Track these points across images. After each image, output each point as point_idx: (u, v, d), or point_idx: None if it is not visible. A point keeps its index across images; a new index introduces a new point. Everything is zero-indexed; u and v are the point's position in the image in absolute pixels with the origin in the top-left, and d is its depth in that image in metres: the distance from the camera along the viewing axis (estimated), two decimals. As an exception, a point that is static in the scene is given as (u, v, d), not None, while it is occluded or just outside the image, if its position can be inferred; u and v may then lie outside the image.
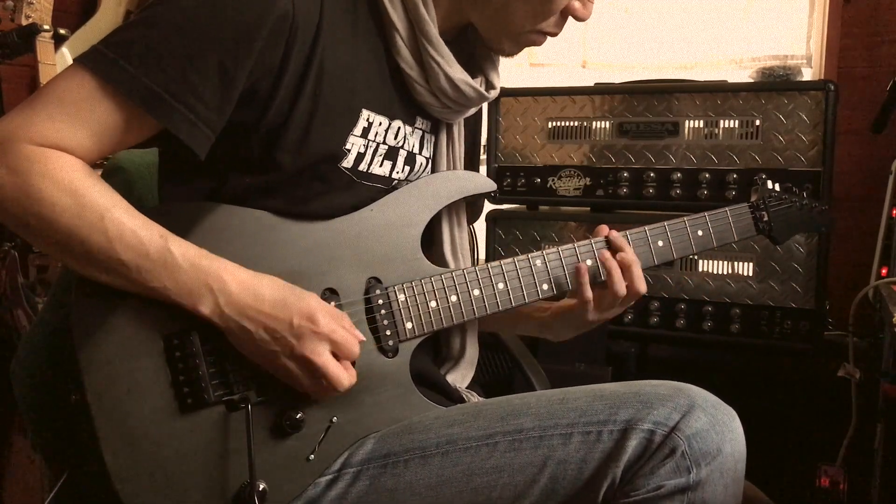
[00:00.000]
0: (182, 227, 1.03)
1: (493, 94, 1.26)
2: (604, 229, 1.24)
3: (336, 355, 1.03)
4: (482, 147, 2.71)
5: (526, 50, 1.21)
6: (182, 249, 1.00)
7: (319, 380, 1.02)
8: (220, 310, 1.00)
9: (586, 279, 1.19)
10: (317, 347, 1.01)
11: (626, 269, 1.20)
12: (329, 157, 1.10)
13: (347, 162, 1.12)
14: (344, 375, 1.03)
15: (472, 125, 1.38)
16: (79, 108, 0.99)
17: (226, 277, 1.01)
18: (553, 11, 1.15)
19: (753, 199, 1.35)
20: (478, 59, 1.26)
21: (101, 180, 1.01)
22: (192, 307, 1.00)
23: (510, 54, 1.24)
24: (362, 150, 1.14)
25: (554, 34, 1.20)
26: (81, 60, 1.00)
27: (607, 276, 1.19)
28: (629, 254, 1.21)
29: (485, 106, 2.33)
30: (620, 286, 1.19)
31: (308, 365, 1.01)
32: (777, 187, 1.38)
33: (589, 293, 1.19)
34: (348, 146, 1.12)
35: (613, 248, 1.22)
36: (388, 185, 1.19)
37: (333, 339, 1.02)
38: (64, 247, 0.98)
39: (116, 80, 0.98)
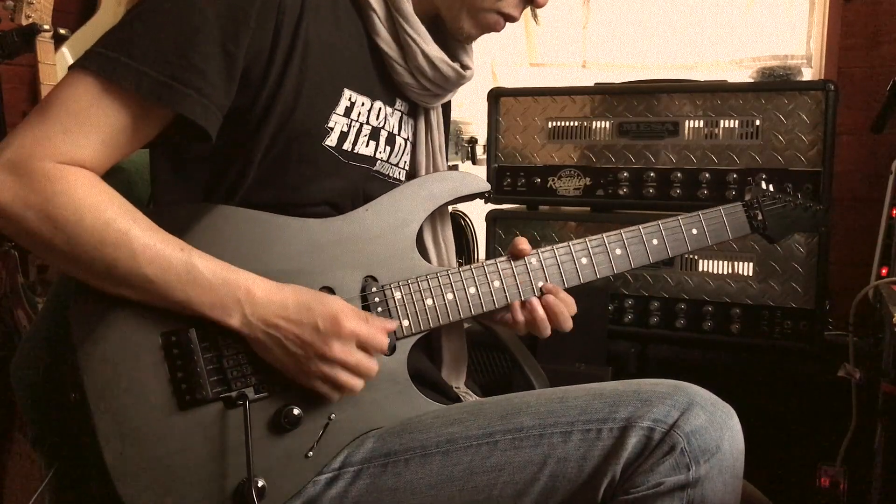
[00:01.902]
0: (178, 229, 1.03)
1: (470, 73, 1.27)
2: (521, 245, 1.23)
3: (365, 350, 1.06)
4: (482, 147, 2.73)
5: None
6: (206, 262, 1.01)
7: (356, 377, 1.04)
8: (247, 320, 1.02)
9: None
10: (345, 347, 1.03)
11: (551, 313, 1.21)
12: (311, 135, 1.11)
13: (331, 140, 1.13)
14: (374, 366, 1.06)
15: (444, 113, 1.39)
16: (88, 115, 0.99)
17: (252, 289, 1.02)
18: None
19: (747, 198, 1.36)
20: (450, 45, 1.27)
21: (118, 194, 1.01)
22: (220, 319, 1.01)
23: (469, 36, 1.24)
24: (345, 130, 1.14)
25: (513, 17, 1.21)
26: (82, 65, 1.00)
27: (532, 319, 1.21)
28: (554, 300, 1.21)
29: (484, 106, 2.36)
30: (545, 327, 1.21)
31: (342, 365, 1.03)
32: (771, 187, 1.39)
33: (521, 317, 1.21)
34: (330, 124, 1.12)
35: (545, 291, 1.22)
36: (371, 165, 1.20)
37: (360, 336, 1.04)
38: (89, 266, 0.99)
39: (122, 78, 0.98)
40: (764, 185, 1.38)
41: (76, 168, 0.99)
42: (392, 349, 1.13)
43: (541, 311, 1.20)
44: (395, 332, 1.12)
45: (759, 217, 1.35)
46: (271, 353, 1.03)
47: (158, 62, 0.99)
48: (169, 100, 0.99)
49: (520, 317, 1.21)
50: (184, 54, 0.99)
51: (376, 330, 1.06)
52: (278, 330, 1.02)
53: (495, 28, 1.22)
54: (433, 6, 1.21)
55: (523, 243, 1.22)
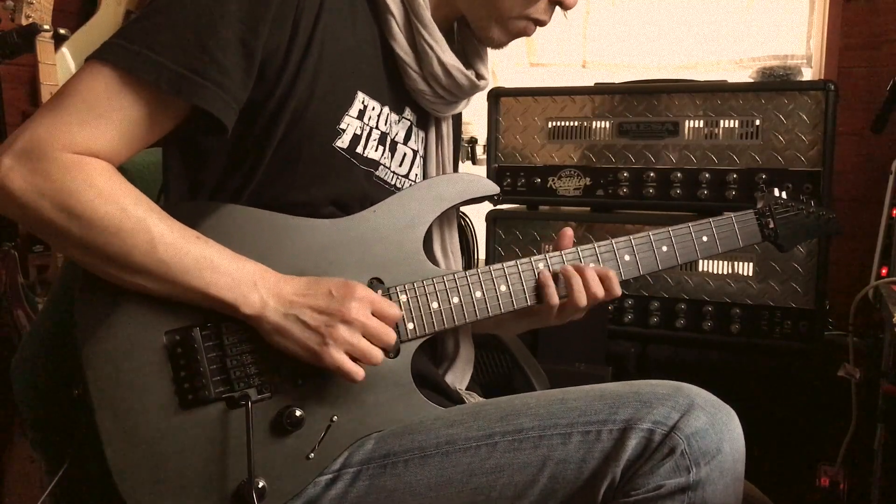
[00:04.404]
0: (189, 226, 1.03)
1: (484, 83, 1.27)
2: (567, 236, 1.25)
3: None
4: (482, 147, 2.73)
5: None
6: (221, 251, 1.02)
7: (373, 341, 1.04)
8: (264, 302, 1.01)
9: (551, 288, 1.19)
10: (362, 309, 1.03)
11: (586, 280, 1.20)
12: (322, 135, 1.11)
13: (342, 142, 1.13)
14: (392, 332, 1.06)
15: (455, 125, 1.39)
16: (106, 106, 0.99)
17: (266, 274, 1.03)
18: None
19: (759, 205, 1.34)
20: (467, 53, 1.27)
21: (132, 185, 1.02)
22: (237, 304, 1.01)
23: (499, 44, 1.23)
24: (358, 133, 1.14)
25: (543, 22, 1.21)
26: (100, 56, 1.00)
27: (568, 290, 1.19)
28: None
29: (484, 106, 2.36)
30: (581, 297, 1.19)
31: (363, 329, 1.03)
32: (784, 195, 1.37)
33: (555, 300, 1.19)
34: (343, 126, 1.12)
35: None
36: (374, 170, 1.19)
37: (373, 301, 1.04)
38: (104, 252, 0.98)
39: (140, 69, 0.98)
40: (777, 192, 1.36)
41: (92, 158, 0.99)
42: (396, 352, 1.13)
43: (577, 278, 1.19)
44: (400, 335, 1.12)
45: (771, 225, 1.33)
46: (290, 336, 1.02)
47: (178, 55, 0.99)
48: (188, 93, 0.99)
49: (554, 300, 1.19)
50: (203, 47, 0.99)
51: (386, 301, 1.07)
52: (294, 306, 1.02)
53: (525, 33, 1.22)
54: (454, 13, 1.21)
55: (566, 236, 1.24)
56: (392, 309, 1.06)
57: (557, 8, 1.21)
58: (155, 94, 1.00)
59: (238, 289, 1.01)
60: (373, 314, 1.04)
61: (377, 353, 1.04)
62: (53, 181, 0.96)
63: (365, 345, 1.03)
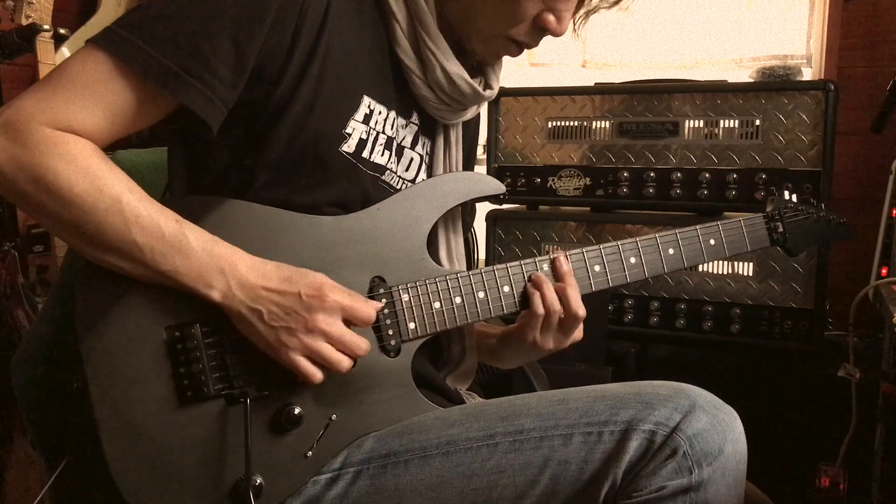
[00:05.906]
0: (189, 220, 1.03)
1: (490, 93, 1.25)
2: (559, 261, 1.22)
3: (350, 324, 1.04)
4: (482, 147, 2.73)
5: (526, 50, 1.19)
6: (196, 234, 1.01)
7: (340, 352, 1.02)
8: (230, 293, 1.01)
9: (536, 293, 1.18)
10: (329, 318, 1.02)
11: (561, 293, 1.19)
12: (328, 139, 1.10)
13: (348, 146, 1.12)
14: (363, 342, 1.04)
15: (471, 132, 1.38)
16: (94, 89, 1.00)
17: (236, 261, 1.02)
18: (520, 18, 1.14)
19: (769, 209, 1.32)
20: (480, 63, 1.26)
21: (115, 165, 1.02)
22: (202, 290, 1.00)
23: (484, 60, 1.23)
24: (364, 137, 1.14)
25: (528, 45, 1.19)
26: (96, 41, 1.00)
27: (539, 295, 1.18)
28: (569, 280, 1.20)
29: (484, 106, 2.35)
30: (555, 303, 1.18)
31: (326, 337, 1.01)
32: (794, 198, 1.35)
33: (541, 308, 1.18)
34: (349, 130, 1.12)
35: (556, 275, 1.20)
36: (381, 174, 1.18)
37: (344, 306, 1.03)
38: (77, 229, 0.99)
39: (132, 59, 0.99)
40: (787, 196, 1.34)
41: (75, 136, 1.00)
42: (397, 351, 1.13)
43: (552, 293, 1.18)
44: (401, 335, 1.12)
45: (780, 229, 1.31)
46: (253, 328, 1.01)
47: (169, 49, 0.99)
48: (174, 88, 0.99)
49: (540, 309, 1.18)
50: (195, 44, 1.00)
51: (362, 302, 1.05)
52: (260, 301, 1.01)
53: (510, 54, 1.21)
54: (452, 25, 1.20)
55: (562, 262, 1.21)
56: (364, 312, 1.04)
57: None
58: (143, 85, 1.00)
59: (204, 276, 1.00)
60: (344, 320, 1.03)
61: (342, 361, 1.03)
62: (32, 154, 0.97)
63: (328, 351, 1.02)
